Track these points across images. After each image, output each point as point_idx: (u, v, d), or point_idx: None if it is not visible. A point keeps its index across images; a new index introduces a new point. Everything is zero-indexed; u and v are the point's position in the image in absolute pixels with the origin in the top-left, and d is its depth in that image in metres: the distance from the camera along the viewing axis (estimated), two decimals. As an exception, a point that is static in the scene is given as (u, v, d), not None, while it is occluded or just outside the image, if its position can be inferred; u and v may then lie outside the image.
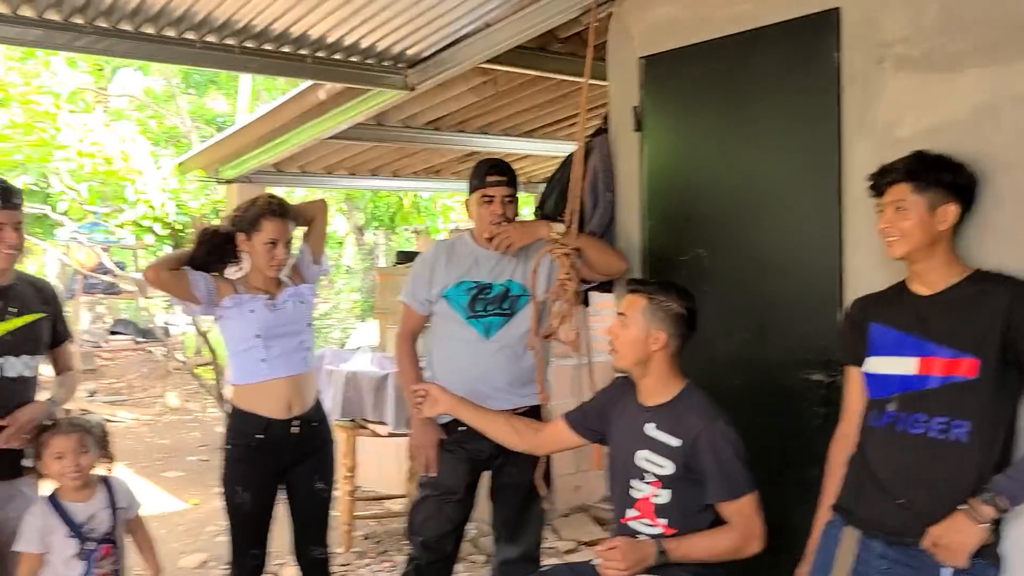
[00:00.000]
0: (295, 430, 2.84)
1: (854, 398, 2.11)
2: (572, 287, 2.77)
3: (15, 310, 2.52)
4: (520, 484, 2.84)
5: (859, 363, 2.06)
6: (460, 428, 2.82)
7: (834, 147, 2.36)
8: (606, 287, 3.11)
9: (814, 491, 2.46)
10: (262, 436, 2.81)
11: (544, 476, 2.87)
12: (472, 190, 2.87)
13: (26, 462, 2.45)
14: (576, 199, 2.92)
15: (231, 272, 2.93)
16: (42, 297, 2.67)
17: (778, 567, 2.56)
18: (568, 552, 4.55)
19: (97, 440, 2.48)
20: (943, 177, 1.91)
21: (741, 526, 2.15)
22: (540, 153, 5.90)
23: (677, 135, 2.86)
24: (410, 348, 2.94)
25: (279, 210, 2.82)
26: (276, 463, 2.86)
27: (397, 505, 5.34)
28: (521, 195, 2.99)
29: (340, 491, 4.02)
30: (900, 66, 2.20)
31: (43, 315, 2.61)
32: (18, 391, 2.53)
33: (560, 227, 2.81)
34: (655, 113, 2.90)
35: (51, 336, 2.69)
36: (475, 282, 2.85)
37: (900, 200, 1.92)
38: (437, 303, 2.88)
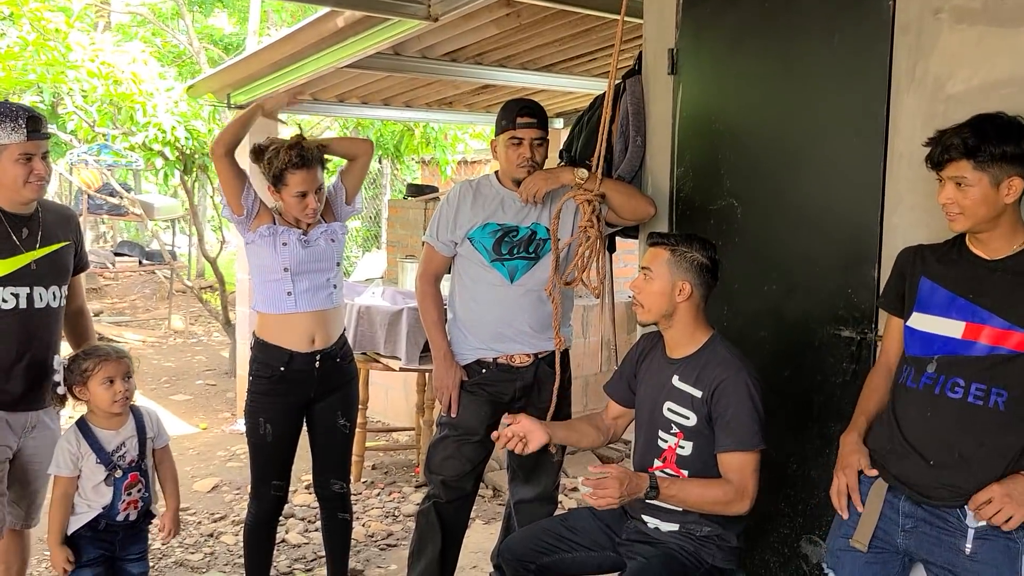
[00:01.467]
0: (318, 364, 2.85)
1: (894, 345, 2.07)
2: (594, 233, 2.73)
3: (40, 238, 2.50)
4: (539, 427, 2.85)
5: (902, 315, 2.02)
6: (482, 370, 2.83)
7: (882, 99, 2.28)
8: (631, 232, 3.07)
9: (835, 445, 2.48)
10: (284, 369, 2.82)
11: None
12: (501, 131, 2.81)
13: (59, 389, 2.46)
14: (603, 143, 2.86)
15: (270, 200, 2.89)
16: (65, 225, 2.63)
17: (794, 517, 2.61)
18: (573, 489, 4.63)
19: (132, 368, 2.51)
20: (1006, 150, 1.79)
21: (737, 481, 2.15)
22: (557, 88, 5.78)
23: (715, 80, 2.78)
24: (434, 290, 2.91)
25: (300, 161, 2.74)
26: (299, 396, 2.88)
27: (404, 436, 5.42)
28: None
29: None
30: (958, 18, 2.12)
31: (67, 243, 2.60)
32: (46, 322, 2.53)
33: (584, 172, 2.76)
34: (693, 56, 2.82)
35: (74, 264, 2.66)
36: (500, 224, 2.81)
37: (960, 176, 1.82)
38: (461, 245, 2.85)
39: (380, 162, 11.23)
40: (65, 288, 2.59)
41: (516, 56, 5.14)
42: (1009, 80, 2.02)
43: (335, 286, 2.91)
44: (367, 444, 4.79)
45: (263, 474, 2.92)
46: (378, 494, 4.55)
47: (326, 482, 3.01)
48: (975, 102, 2.04)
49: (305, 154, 2.76)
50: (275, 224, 2.83)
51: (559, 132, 6.82)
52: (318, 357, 2.85)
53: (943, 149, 1.85)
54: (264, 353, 2.85)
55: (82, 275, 2.78)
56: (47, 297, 2.50)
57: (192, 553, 3.79)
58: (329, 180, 2.97)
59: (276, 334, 2.84)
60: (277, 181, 2.78)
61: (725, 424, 2.17)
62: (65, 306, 2.64)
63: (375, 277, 6.63)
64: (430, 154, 9.69)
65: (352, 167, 3.00)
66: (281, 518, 4.02)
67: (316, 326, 2.85)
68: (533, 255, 2.80)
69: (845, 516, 2.05)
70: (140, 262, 10.67)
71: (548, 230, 2.79)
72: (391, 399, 5.69)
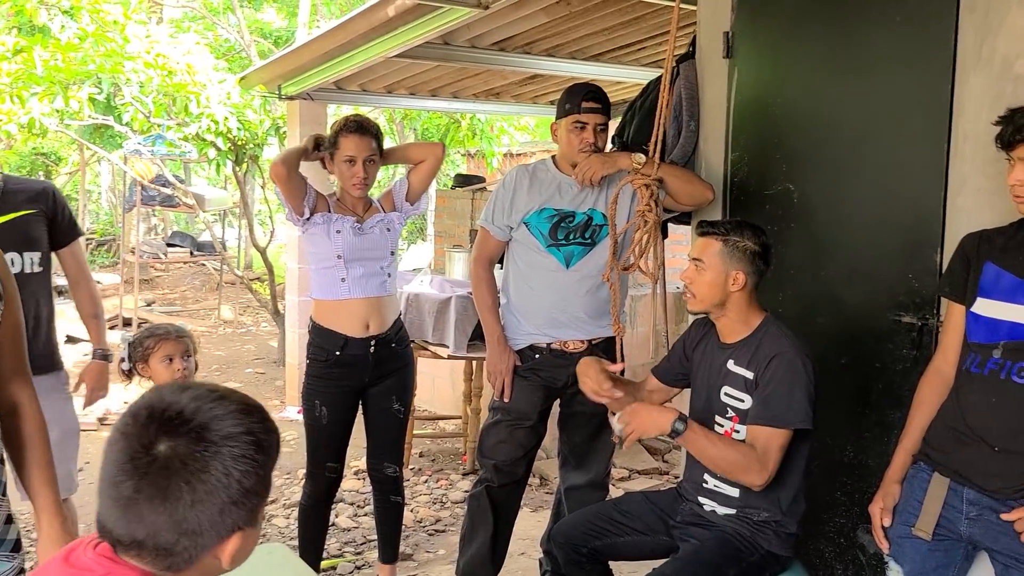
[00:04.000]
0: (372, 349, 2.88)
1: (953, 335, 2.02)
2: (652, 219, 2.71)
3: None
4: (592, 413, 2.84)
5: (964, 301, 1.98)
6: (536, 355, 2.83)
7: (947, 80, 2.24)
8: (684, 218, 3.05)
9: (894, 433, 2.44)
10: (339, 353, 2.86)
11: None
12: (564, 114, 2.79)
13: (124, 365, 2.53)
14: (660, 127, 2.84)
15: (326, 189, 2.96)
16: (29, 196, 2.68)
17: (851, 507, 2.58)
18: (621, 480, 4.62)
19: (193, 348, 2.57)
20: None
21: (760, 452, 2.08)
22: (606, 78, 5.75)
23: (772, 63, 2.75)
24: (488, 274, 2.92)
25: (355, 126, 2.82)
26: (354, 380, 2.92)
27: (451, 425, 5.44)
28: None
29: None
30: (1028, -5, 2.07)
31: (33, 211, 2.65)
32: (22, 286, 2.61)
33: (641, 157, 2.74)
34: (748, 39, 2.78)
35: (49, 235, 2.72)
36: (557, 210, 2.80)
37: None
38: (517, 229, 2.85)
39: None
40: (36, 255, 2.66)
41: (565, 45, 5.13)
42: (1081, 58, 1.97)
43: (389, 274, 2.94)
44: (415, 432, 4.83)
45: (318, 456, 2.96)
46: (426, 481, 4.59)
47: (380, 465, 3.04)
48: (1045, 82, 1.99)
49: (361, 121, 2.84)
50: (330, 212, 2.88)
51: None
52: (373, 342, 2.89)
53: (1015, 129, 1.79)
54: (320, 337, 2.90)
55: (75, 248, 2.84)
56: (19, 263, 2.58)
57: (245, 535, 3.85)
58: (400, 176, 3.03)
59: (331, 319, 2.89)
60: (332, 146, 2.85)
61: (763, 398, 2.13)
62: (66, 277, 2.83)
63: (421, 267, 6.68)
64: (475, 146, 9.73)
65: (420, 166, 3.01)
66: (332, 502, 4.11)
67: (370, 312, 2.88)
68: (589, 241, 2.80)
69: (885, 549, 2.07)
70: (192, 253, 10.88)
71: (605, 216, 2.78)
72: (438, 388, 5.73)
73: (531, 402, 2.83)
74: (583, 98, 2.74)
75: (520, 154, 11.21)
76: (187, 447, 1.00)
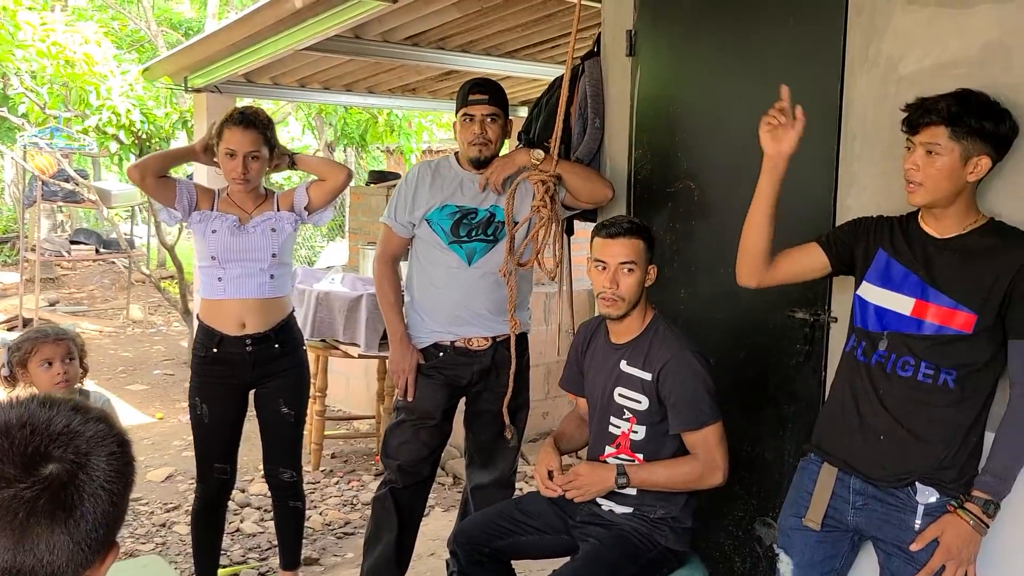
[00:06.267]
0: (249, 348, 2.81)
1: (796, 252, 2.13)
2: (547, 214, 2.71)
3: None
4: (496, 411, 2.83)
5: (844, 264, 2.04)
6: (440, 353, 2.80)
7: (836, 80, 2.28)
8: (590, 216, 3.05)
9: (789, 426, 2.50)
10: (216, 350, 2.82)
11: (515, 406, 2.86)
12: (456, 110, 2.79)
13: (3, 371, 2.40)
14: (560, 124, 2.83)
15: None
16: None
17: (748, 499, 2.62)
18: (532, 477, 4.61)
19: (79, 350, 2.44)
20: (984, 126, 1.77)
21: (703, 456, 2.16)
22: (521, 75, 5.75)
23: (672, 62, 2.77)
24: (391, 272, 2.87)
25: (239, 118, 2.74)
26: (234, 379, 2.86)
27: (365, 425, 5.36)
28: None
29: (310, 411, 4.00)
30: (910, -1, 2.13)
31: None
32: None
33: (540, 153, 2.73)
34: (650, 38, 2.80)
35: None
36: (459, 206, 2.77)
37: (934, 143, 1.80)
38: (419, 226, 2.81)
39: (345, 151, 11.12)
40: None
41: (479, 41, 5.10)
42: (962, 60, 2.03)
43: (272, 275, 2.84)
44: (326, 432, 4.74)
45: (205, 456, 2.90)
46: (337, 482, 4.50)
47: (275, 470, 2.97)
48: (927, 82, 2.04)
49: (247, 114, 2.75)
50: (211, 210, 2.81)
51: (522, 120, 6.77)
52: (249, 341, 2.82)
53: (923, 112, 1.82)
54: (201, 334, 2.87)
55: None
56: None
57: (143, 543, 3.71)
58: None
59: (210, 317, 2.84)
60: (217, 136, 2.78)
61: (673, 405, 2.18)
62: None
63: (337, 265, 6.56)
64: (395, 143, 9.63)
65: (322, 183, 2.91)
66: (236, 507, 3.98)
67: (246, 312, 2.82)
68: (491, 238, 2.77)
69: None
70: (97, 250, 10.44)
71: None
72: (351, 387, 5.63)
73: (435, 401, 2.79)
74: (469, 91, 2.74)
75: (440, 151, 11.15)
76: (77, 457, 0.96)
